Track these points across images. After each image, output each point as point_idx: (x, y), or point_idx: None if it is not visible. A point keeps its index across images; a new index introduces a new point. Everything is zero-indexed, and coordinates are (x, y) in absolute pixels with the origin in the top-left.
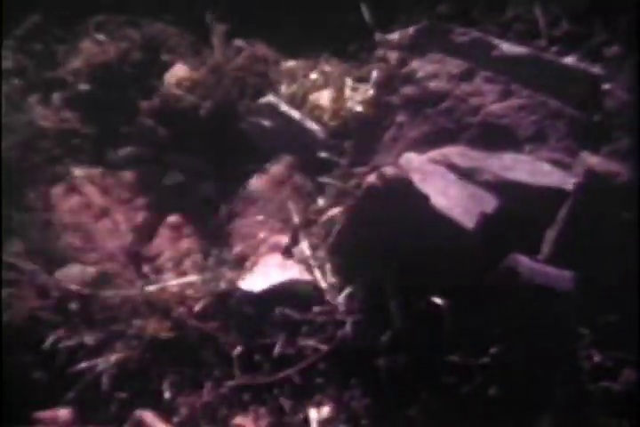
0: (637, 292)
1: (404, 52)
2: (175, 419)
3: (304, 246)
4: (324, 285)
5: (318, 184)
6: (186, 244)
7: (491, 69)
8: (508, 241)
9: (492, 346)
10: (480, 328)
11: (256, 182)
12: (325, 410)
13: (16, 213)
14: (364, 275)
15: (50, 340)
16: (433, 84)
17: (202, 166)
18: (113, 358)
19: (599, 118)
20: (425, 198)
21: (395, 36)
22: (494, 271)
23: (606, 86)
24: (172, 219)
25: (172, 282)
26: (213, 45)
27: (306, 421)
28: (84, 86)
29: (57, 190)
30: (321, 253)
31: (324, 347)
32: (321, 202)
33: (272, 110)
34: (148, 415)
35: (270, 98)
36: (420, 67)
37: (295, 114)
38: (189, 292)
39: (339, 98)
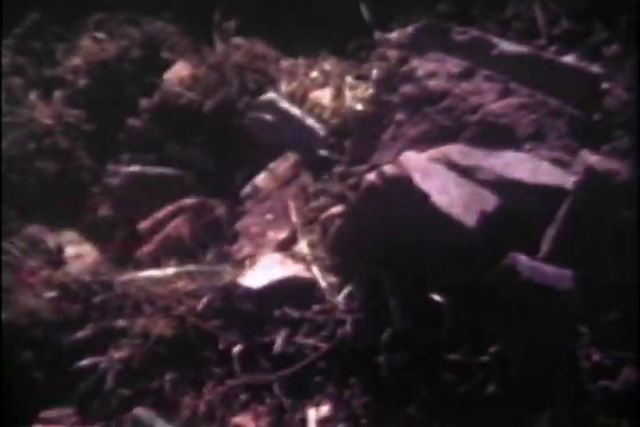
0: (637, 290)
1: (404, 50)
2: (175, 418)
3: (303, 245)
4: (323, 283)
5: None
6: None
7: (490, 68)
8: (507, 240)
9: (492, 345)
10: (479, 327)
11: (262, 180)
12: (324, 409)
13: None
14: (363, 273)
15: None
16: (432, 83)
17: (203, 163)
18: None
19: (599, 117)
20: (425, 197)
21: (394, 35)
22: (494, 270)
23: (606, 85)
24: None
25: (169, 271)
26: (214, 43)
27: (305, 420)
28: (83, 83)
29: None
30: (320, 252)
31: (323, 345)
32: (322, 200)
33: (273, 107)
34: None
35: (271, 95)
36: (420, 65)
37: (296, 111)
38: (190, 287)
39: (338, 96)
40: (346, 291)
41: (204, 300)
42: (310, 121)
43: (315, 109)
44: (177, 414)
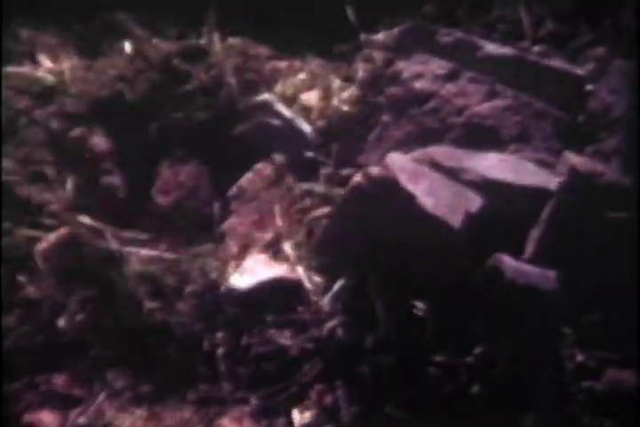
0: (621, 291)
1: (390, 52)
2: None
3: (288, 246)
4: (308, 284)
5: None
6: None
7: (475, 70)
8: (492, 240)
9: (477, 345)
10: (465, 327)
11: (248, 181)
12: (309, 412)
13: None
14: (348, 275)
15: None
16: (418, 85)
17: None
18: None
19: (583, 119)
20: (411, 198)
21: (380, 37)
22: (479, 271)
23: (590, 87)
24: None
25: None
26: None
27: (290, 423)
28: None
29: None
30: (306, 252)
31: (308, 347)
32: (308, 201)
33: (267, 109)
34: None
35: (266, 96)
36: (406, 67)
37: (287, 113)
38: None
39: (325, 97)
40: (331, 292)
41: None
42: (301, 123)
43: (303, 111)
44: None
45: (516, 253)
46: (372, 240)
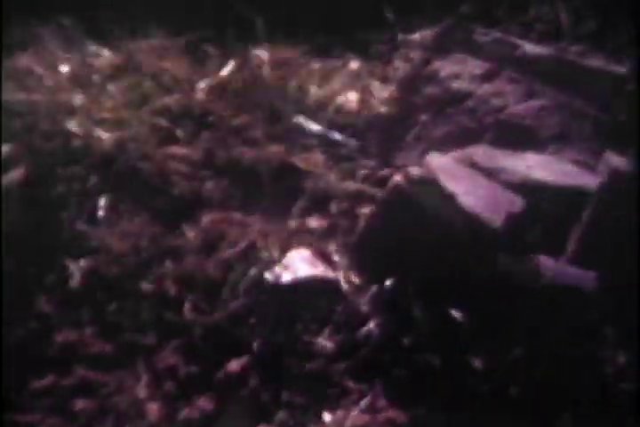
0: None
1: (427, 52)
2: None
3: (331, 245)
4: (347, 284)
5: None
6: None
7: (513, 70)
8: (532, 241)
9: (516, 346)
10: (504, 328)
11: None
12: (342, 411)
13: None
14: (387, 275)
15: None
16: (455, 85)
17: None
18: None
19: (624, 119)
20: (452, 198)
21: (417, 36)
22: (518, 272)
23: (631, 86)
24: None
25: None
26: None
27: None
28: None
29: None
30: (345, 253)
31: (346, 346)
32: (347, 202)
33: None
34: None
35: (300, 119)
36: (443, 66)
37: (318, 128)
38: None
39: (363, 98)
40: (370, 292)
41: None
42: (333, 134)
43: (340, 112)
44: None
45: (557, 253)
46: (410, 240)
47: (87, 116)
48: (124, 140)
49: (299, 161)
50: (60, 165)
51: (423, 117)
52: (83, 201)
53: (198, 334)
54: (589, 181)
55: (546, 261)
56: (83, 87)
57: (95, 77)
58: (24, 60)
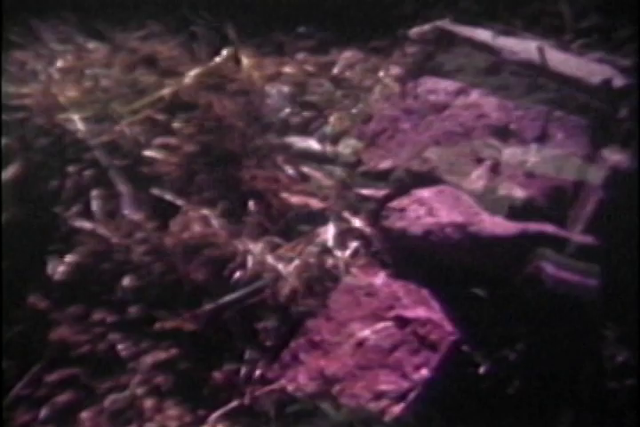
0: None
1: (429, 46)
2: None
3: None
4: None
5: None
6: None
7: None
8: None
9: (517, 343)
10: (505, 324)
11: None
12: None
13: None
14: None
15: None
16: (432, 97)
17: None
18: None
19: (626, 114)
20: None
21: (419, 31)
22: (520, 275)
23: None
24: None
25: None
26: None
27: None
28: None
29: None
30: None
31: None
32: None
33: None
34: None
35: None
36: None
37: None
38: None
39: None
40: None
41: None
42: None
43: None
44: None
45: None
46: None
47: (81, 111)
48: (117, 135)
49: None
50: (55, 161)
51: (404, 126)
52: (77, 196)
53: None
54: (590, 175)
55: (546, 268)
56: (77, 81)
57: (89, 71)
58: (19, 55)
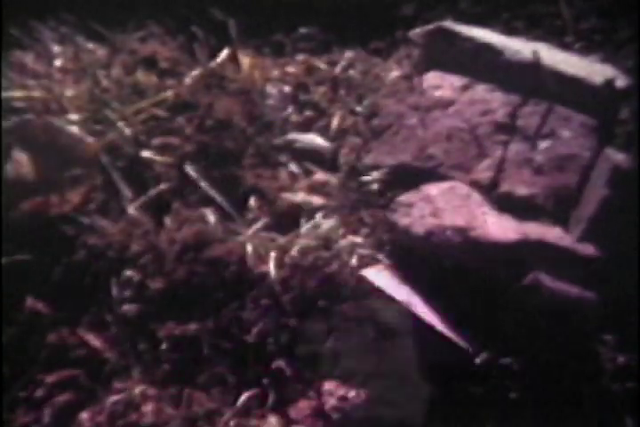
0: None
1: (429, 47)
2: None
3: None
4: None
5: None
6: None
7: (493, 80)
8: None
9: (516, 348)
10: (503, 329)
11: None
12: None
13: None
14: None
15: None
16: (437, 93)
17: None
18: None
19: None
20: None
21: (417, 33)
22: (519, 282)
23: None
24: None
25: None
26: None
27: None
28: None
29: None
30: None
31: None
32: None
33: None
34: None
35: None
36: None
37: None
38: None
39: None
40: None
41: None
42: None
43: None
44: None
45: None
46: None
47: (80, 112)
48: (117, 137)
49: None
50: (55, 161)
51: (410, 122)
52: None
53: None
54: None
55: (544, 280)
56: (76, 82)
57: (89, 71)
58: (19, 57)
